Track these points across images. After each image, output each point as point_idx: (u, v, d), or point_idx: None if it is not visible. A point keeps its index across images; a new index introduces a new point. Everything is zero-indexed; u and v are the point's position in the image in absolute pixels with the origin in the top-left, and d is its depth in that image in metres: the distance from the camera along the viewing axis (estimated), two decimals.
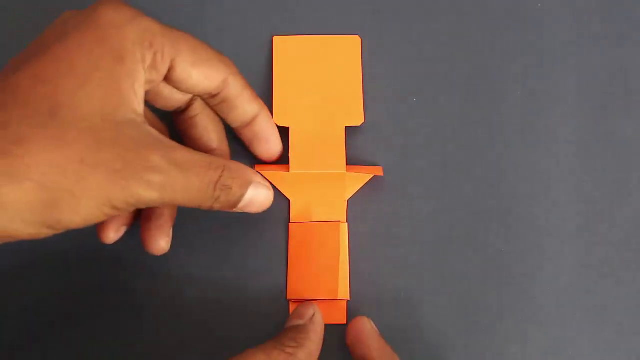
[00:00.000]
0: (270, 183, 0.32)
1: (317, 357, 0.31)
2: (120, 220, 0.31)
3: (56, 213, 0.25)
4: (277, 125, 0.35)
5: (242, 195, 0.30)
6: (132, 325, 0.34)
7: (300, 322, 0.32)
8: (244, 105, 0.33)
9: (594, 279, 0.34)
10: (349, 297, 0.34)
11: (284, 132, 0.35)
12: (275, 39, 0.38)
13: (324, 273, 0.34)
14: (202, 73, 0.31)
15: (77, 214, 0.26)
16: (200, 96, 0.33)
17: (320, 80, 0.36)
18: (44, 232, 0.26)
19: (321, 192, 0.35)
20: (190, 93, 0.32)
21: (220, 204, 0.30)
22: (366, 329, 0.32)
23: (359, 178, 0.35)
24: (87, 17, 0.28)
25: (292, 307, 0.34)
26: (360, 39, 0.37)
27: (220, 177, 0.29)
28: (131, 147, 0.27)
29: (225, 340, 0.33)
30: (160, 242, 0.32)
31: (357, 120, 0.36)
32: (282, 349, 0.30)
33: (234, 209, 0.31)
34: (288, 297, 0.34)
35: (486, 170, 0.36)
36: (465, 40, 0.38)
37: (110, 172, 0.26)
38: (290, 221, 0.35)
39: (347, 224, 0.35)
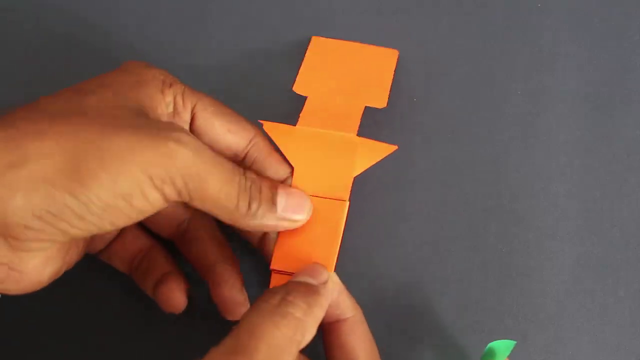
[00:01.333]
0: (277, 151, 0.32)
1: (317, 326, 0.28)
2: (184, 285, 0.31)
3: (83, 167, 0.24)
4: (295, 92, 0.34)
5: (271, 192, 0.29)
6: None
7: (312, 281, 0.29)
8: (274, 166, 0.32)
9: (593, 278, 0.34)
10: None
11: (301, 101, 0.34)
12: (313, 38, 0.37)
13: (319, 249, 0.31)
14: (225, 125, 0.31)
15: (105, 169, 0.24)
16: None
17: (350, 67, 0.36)
18: (69, 205, 0.24)
19: (328, 160, 0.32)
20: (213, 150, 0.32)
21: (255, 201, 0.28)
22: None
23: (370, 152, 0.33)
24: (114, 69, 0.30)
25: (273, 279, 0.31)
26: (397, 53, 0.37)
27: (245, 171, 0.29)
28: (155, 121, 0.27)
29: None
30: (237, 304, 0.31)
31: (380, 102, 0.35)
32: (292, 310, 0.26)
33: (276, 215, 0.29)
34: (272, 267, 0.31)
35: (486, 170, 0.36)
36: (465, 40, 0.38)
37: (137, 130, 0.25)
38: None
39: (348, 202, 0.32)
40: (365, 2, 0.39)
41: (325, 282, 0.29)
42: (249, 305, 0.31)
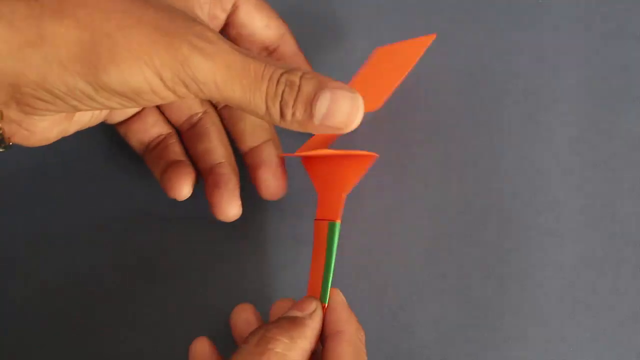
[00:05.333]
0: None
1: (309, 355, 0.27)
2: (192, 176, 0.31)
3: (94, 57, 0.24)
4: None
5: (313, 95, 0.25)
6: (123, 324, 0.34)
7: (298, 314, 0.28)
8: (300, 65, 0.29)
9: (594, 277, 0.34)
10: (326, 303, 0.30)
11: None
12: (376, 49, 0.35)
13: (311, 271, 0.30)
14: (264, 20, 0.31)
15: (116, 64, 0.24)
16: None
17: (381, 68, 0.34)
18: (80, 88, 0.25)
19: (321, 181, 0.32)
20: (248, 43, 0.31)
21: (288, 107, 0.26)
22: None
23: (356, 164, 0.31)
24: None
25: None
26: (434, 36, 0.34)
27: (283, 73, 0.25)
28: (181, 16, 0.26)
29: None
30: (233, 207, 0.31)
31: (373, 105, 0.32)
32: (271, 346, 0.26)
33: (313, 122, 0.26)
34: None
35: (486, 170, 0.36)
36: (465, 40, 0.38)
37: (155, 28, 0.25)
38: (316, 217, 0.31)
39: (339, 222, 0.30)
40: (364, 2, 0.39)
41: (312, 312, 0.28)
42: (240, 206, 0.31)
